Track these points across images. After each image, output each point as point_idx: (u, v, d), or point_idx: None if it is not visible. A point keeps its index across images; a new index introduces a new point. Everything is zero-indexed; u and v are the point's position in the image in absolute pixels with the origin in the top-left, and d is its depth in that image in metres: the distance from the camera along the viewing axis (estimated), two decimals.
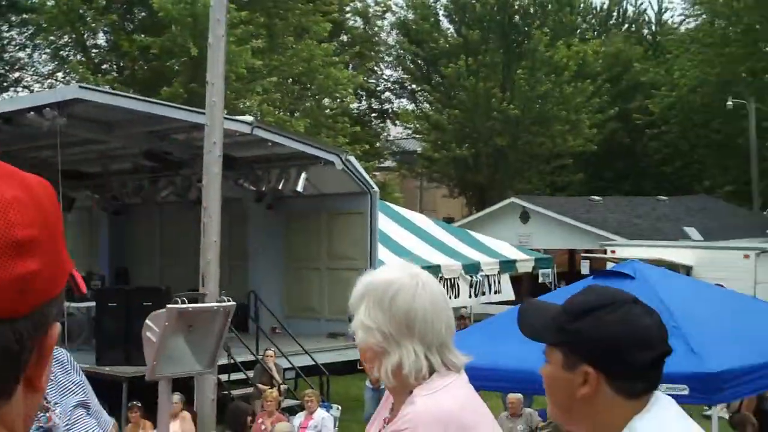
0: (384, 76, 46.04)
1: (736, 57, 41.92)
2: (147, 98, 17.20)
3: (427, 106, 45.00)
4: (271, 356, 16.39)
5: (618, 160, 47.30)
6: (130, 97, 16.51)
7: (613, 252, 22.19)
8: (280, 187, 18.78)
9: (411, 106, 46.89)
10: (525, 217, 32.04)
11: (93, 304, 17.27)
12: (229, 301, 7.40)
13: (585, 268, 30.24)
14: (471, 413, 2.61)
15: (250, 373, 16.18)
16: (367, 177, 19.16)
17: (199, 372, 6.42)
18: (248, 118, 18.00)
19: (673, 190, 43.80)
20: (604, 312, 2.19)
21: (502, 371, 9.78)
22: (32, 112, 15.79)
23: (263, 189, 19.27)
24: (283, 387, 16.01)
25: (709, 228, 32.31)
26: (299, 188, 18.49)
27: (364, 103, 44.63)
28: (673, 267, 21.27)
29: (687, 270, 20.56)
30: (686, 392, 8.90)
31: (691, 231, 26.84)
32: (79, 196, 22.73)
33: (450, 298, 22.38)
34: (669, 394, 6.66)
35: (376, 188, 19.21)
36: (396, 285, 2.67)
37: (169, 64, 29.89)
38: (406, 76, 45.81)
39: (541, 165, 43.79)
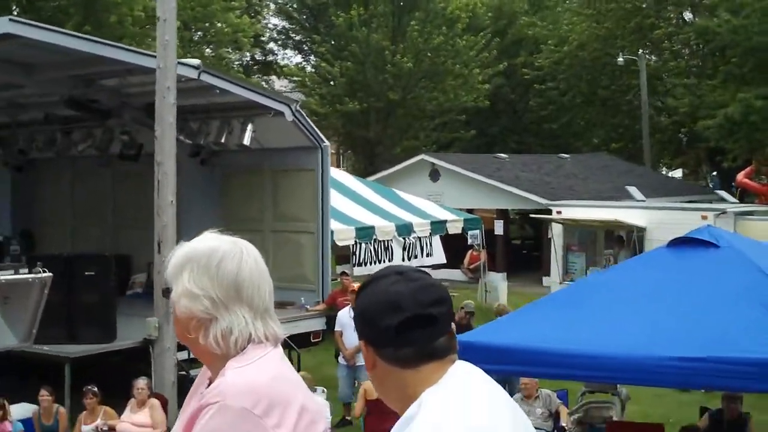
0: (270, 26, 43.87)
1: (624, 13, 41.64)
2: (89, 36, 15.04)
3: (314, 58, 43.13)
4: None
5: (502, 116, 46.60)
6: (71, 35, 14.33)
7: (558, 212, 21.10)
8: (222, 140, 16.92)
9: (297, 58, 45.03)
10: (435, 175, 30.75)
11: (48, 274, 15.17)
12: (45, 272, 6.33)
13: (498, 228, 29.29)
14: (283, 386, 2.59)
15: None
16: (317, 130, 17.47)
17: (16, 346, 5.44)
18: (194, 61, 16.07)
19: (558, 147, 43.40)
20: (368, 289, 2.37)
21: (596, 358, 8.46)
22: None
23: (201, 142, 17.36)
24: None
25: (619, 186, 31.80)
26: (246, 141, 16.68)
27: (247, 54, 42.42)
28: (629, 229, 20.42)
29: (641, 232, 19.66)
30: None
31: (633, 190, 26.02)
32: None
33: (383, 261, 21.02)
34: None
35: (327, 142, 17.54)
36: (220, 251, 2.67)
37: (59, 4, 27.28)
38: (291, 26, 43.76)
39: (426, 121, 42.63)
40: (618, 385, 11.56)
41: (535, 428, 9.92)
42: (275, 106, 16.54)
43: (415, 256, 22.27)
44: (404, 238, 21.79)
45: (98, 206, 20.55)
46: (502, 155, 34.59)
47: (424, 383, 2.27)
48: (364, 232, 20.53)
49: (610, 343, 8.45)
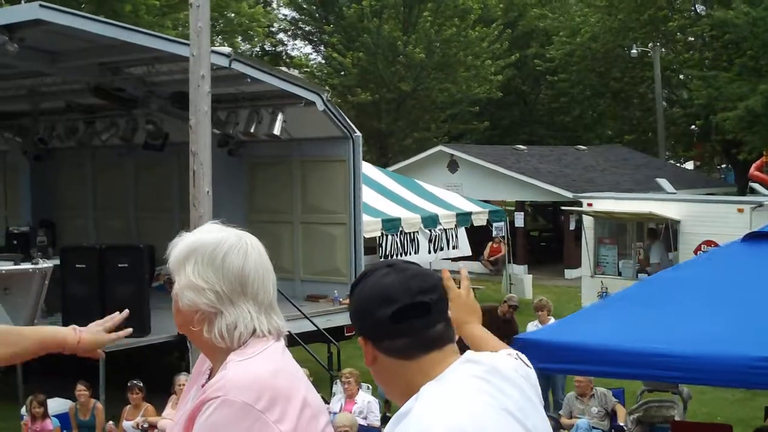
0: (279, 16, 43.39)
1: (636, 5, 41.19)
2: (123, 24, 14.62)
3: (323, 48, 42.65)
4: None
5: (514, 107, 46.20)
6: (102, 21, 13.90)
7: (589, 204, 20.68)
8: (252, 130, 16.50)
9: (307, 49, 44.60)
10: (453, 166, 30.34)
11: (47, 264, 14.77)
12: (44, 263, 6.20)
13: (519, 220, 28.92)
14: (285, 380, 2.56)
15: None
16: (348, 120, 17.05)
17: None
18: (225, 49, 15.66)
19: (569, 139, 43.10)
20: (360, 285, 2.37)
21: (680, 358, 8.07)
22: None
23: (230, 132, 16.94)
24: None
25: (638, 179, 31.48)
26: (276, 131, 16.25)
27: (257, 44, 41.95)
28: (662, 221, 20.04)
29: (675, 225, 19.27)
30: None
31: (664, 182, 25.62)
32: None
33: (409, 254, 20.62)
34: None
35: (358, 132, 17.11)
36: (226, 244, 2.63)
37: None
38: (300, 16, 43.28)
39: (437, 113, 42.21)
40: (679, 384, 11.17)
41: (592, 427, 9.48)
42: (306, 95, 16.12)
43: (441, 248, 21.91)
44: (430, 230, 21.41)
45: (120, 196, 20.14)
46: (521, 147, 34.21)
47: (424, 376, 2.26)
48: (390, 224, 20.15)
49: (689, 341, 8.07)
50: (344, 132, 16.88)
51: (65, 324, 13.21)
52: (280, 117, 16.21)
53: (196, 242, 2.65)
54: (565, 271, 28.68)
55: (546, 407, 12.62)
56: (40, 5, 13.04)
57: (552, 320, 14.59)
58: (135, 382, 12.03)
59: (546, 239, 35.52)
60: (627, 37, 41.38)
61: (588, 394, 11.74)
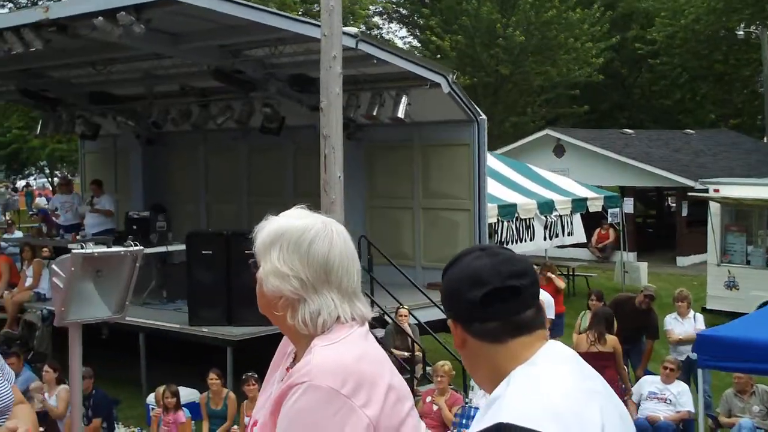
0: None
1: None
2: (253, 4, 14.14)
3: (419, 32, 42.12)
4: (406, 316, 13.76)
5: (612, 91, 45.12)
6: (233, 2, 13.39)
7: (716, 191, 19.79)
8: (374, 114, 16.01)
9: (403, 32, 44.15)
10: (559, 150, 29.55)
11: (139, 247, 14.55)
12: (136, 245, 6.00)
13: (628, 206, 28.07)
14: (369, 365, 2.54)
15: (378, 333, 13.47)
16: (473, 103, 16.48)
17: (110, 317, 5.77)
18: (352, 29, 15.17)
19: (669, 123, 41.98)
20: (452, 268, 2.38)
21: None
22: (101, 18, 12.81)
23: (351, 115, 16.45)
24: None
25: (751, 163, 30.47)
26: (400, 114, 15.72)
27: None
28: None
29: None
30: None
31: None
32: (106, 123, 19.72)
33: (525, 240, 20.02)
34: None
35: (483, 116, 16.55)
36: (312, 231, 2.61)
37: None
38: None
39: (533, 97, 41.39)
40: None
41: (756, 427, 8.78)
42: (432, 77, 15.59)
43: (556, 235, 21.27)
44: (546, 216, 20.79)
45: (233, 181, 19.79)
46: (628, 130, 33.29)
47: (513, 360, 2.25)
48: (506, 210, 19.59)
49: None
50: (469, 115, 16.35)
51: (191, 309, 12.93)
52: (404, 100, 15.68)
53: (282, 227, 2.63)
54: (677, 258, 27.81)
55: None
56: None
57: (692, 312, 13.94)
58: (250, 374, 11.53)
59: (652, 225, 34.58)
60: (732, 18, 40.09)
61: (748, 391, 11.06)
